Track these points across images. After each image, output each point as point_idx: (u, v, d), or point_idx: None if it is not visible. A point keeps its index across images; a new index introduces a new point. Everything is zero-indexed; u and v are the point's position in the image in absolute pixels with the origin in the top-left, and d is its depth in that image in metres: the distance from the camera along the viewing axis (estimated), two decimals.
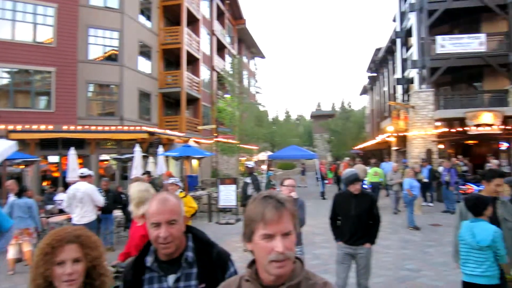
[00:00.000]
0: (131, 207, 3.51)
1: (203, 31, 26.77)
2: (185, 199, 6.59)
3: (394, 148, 24.02)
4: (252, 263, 1.36)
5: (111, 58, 18.98)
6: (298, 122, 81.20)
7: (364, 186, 17.73)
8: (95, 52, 18.65)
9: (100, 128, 16.19)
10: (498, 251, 3.55)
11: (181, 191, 6.81)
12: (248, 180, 10.32)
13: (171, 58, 23.63)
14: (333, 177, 24.44)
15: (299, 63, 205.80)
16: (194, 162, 22.44)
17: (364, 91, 48.68)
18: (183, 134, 20.61)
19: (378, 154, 30.95)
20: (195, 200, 13.53)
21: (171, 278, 1.83)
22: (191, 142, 19.85)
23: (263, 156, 28.83)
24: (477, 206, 3.71)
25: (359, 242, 4.68)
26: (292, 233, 1.30)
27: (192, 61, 24.76)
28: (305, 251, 7.35)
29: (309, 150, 30.97)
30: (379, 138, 26.19)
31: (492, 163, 15.27)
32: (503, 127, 18.22)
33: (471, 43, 19.30)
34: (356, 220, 4.66)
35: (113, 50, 19.02)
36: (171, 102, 23.75)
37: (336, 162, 30.20)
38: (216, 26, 29.43)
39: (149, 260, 1.86)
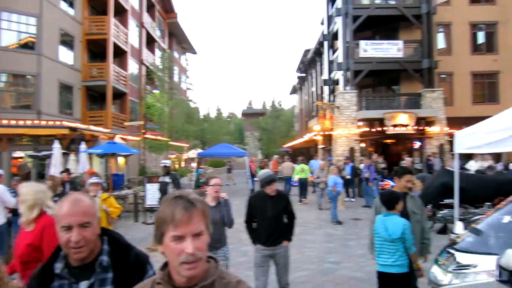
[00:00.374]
0: (22, 210, 3.09)
1: (131, 22, 25.73)
2: (110, 200, 6.31)
3: (320, 146, 25.06)
4: (165, 265, 1.33)
5: (27, 46, 17.48)
6: (230, 120, 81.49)
7: (292, 182, 18.34)
8: (8, 38, 17.06)
9: (13, 122, 14.85)
10: (407, 242, 3.86)
11: (103, 192, 6.48)
12: (167, 179, 10.01)
13: (96, 50, 22.39)
14: None
15: (231, 60, 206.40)
16: (121, 160, 21.54)
17: (294, 91, 50.16)
18: (109, 130, 19.65)
19: (306, 152, 32.09)
20: (120, 200, 13.03)
21: (84, 285, 1.73)
22: (117, 139, 19.00)
23: (193, 153, 28.50)
24: (389, 201, 4.01)
25: (277, 242, 4.66)
26: (203, 233, 1.29)
27: (120, 54, 23.69)
28: (232, 248, 7.41)
29: (240, 148, 31.24)
30: (307, 137, 27.19)
31: (406, 161, 16.56)
32: (416, 127, 19.89)
33: (390, 49, 20.80)
34: (273, 222, 4.62)
35: (30, 37, 17.53)
36: (95, 96, 22.52)
37: (264, 160, 30.77)
38: (146, 18, 28.44)
39: (58, 266, 1.74)
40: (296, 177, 16.48)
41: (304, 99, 40.81)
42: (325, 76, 26.91)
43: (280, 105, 56.46)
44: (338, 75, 22.92)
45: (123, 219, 12.42)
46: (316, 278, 6.45)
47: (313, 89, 34.33)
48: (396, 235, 3.85)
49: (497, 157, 16.70)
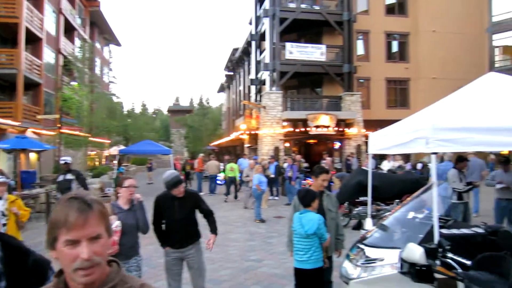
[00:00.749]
0: None
1: (47, 7, 23.79)
2: (18, 202, 5.77)
3: (247, 145, 25.35)
4: (61, 272, 1.24)
5: None
6: (155, 116, 79.24)
7: (218, 181, 18.30)
8: None
9: None
10: (322, 236, 4.06)
11: (10, 194, 5.90)
12: (69, 176, 9.29)
13: (5, 34, 20.38)
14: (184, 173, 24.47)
15: (158, 55, 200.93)
16: (33, 156, 19.87)
17: (222, 89, 50.16)
18: (19, 124, 18.02)
19: (232, 151, 32.26)
20: (31, 199, 12.02)
21: None
22: (29, 133, 17.51)
23: (115, 150, 27.23)
24: (305, 199, 4.18)
25: (187, 244, 4.47)
26: (102, 236, 1.21)
27: (33, 41, 21.78)
28: (152, 249, 7.20)
29: (165, 146, 30.46)
30: (234, 135, 27.36)
31: (327, 160, 17.35)
32: (336, 129, 20.99)
33: (314, 52, 21.71)
34: (182, 224, 4.41)
35: None
36: (4, 86, 20.51)
37: (185, 158, 30.39)
38: (65, 4, 26.46)
39: None
40: (221, 176, 16.47)
41: (231, 98, 40.97)
42: (253, 75, 27.26)
43: (208, 103, 56.08)
44: (265, 75, 23.36)
45: (33, 221, 11.46)
46: (238, 276, 6.50)
47: (241, 88, 34.60)
48: (311, 231, 4.02)
49: (406, 157, 18.20)
